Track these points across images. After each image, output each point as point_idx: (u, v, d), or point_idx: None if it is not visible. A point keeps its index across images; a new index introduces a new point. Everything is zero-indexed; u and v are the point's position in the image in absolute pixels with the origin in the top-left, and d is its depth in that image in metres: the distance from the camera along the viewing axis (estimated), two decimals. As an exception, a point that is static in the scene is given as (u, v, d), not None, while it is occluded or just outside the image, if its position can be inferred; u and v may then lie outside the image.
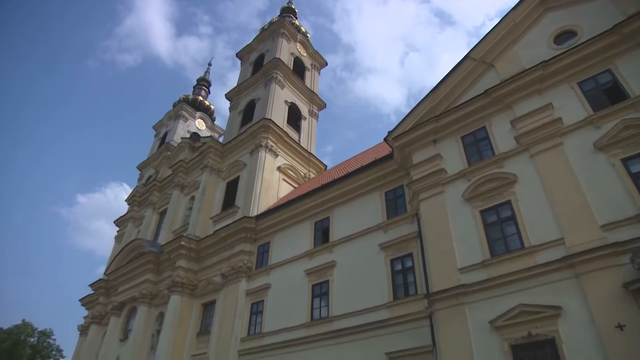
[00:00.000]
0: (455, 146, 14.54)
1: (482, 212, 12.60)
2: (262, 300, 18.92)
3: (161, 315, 23.28)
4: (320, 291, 16.80)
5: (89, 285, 31.06)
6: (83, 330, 31.61)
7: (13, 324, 44.91)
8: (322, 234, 18.42)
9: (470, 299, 11.36)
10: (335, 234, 17.76)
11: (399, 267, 14.88)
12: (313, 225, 19.04)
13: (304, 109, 32.07)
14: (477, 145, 14.05)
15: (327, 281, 16.73)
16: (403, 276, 14.62)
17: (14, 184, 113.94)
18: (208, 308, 21.75)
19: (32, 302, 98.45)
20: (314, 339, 15.76)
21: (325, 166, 29.50)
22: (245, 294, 19.73)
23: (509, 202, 12.20)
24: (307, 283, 17.39)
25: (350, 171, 19.01)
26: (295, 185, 26.34)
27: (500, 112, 14.00)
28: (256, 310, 18.99)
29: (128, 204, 36.28)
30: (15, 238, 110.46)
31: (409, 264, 14.68)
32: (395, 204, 16.48)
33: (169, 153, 34.36)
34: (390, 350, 13.33)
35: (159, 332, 22.60)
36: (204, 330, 21.05)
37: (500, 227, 12.04)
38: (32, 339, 45.59)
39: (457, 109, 14.82)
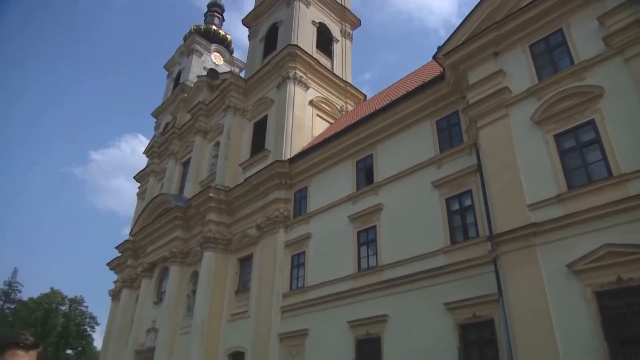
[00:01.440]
0: (522, 58, 13.58)
1: (557, 136, 11.86)
2: (303, 252, 19.44)
3: (195, 275, 24.53)
4: (367, 238, 16.98)
5: (116, 248, 33.21)
6: (114, 295, 34.18)
7: (42, 292, 49.10)
8: (366, 174, 18.35)
9: (543, 239, 11.03)
10: (380, 173, 17.62)
11: (456, 206, 14.65)
12: (354, 164, 18.94)
13: (335, 29, 30.97)
14: (551, 55, 13.04)
15: (374, 227, 16.83)
16: (461, 217, 14.40)
17: (18, 145, 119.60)
18: (245, 263, 22.68)
19: (58, 269, 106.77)
20: (362, 290, 16.16)
21: (365, 96, 28.87)
22: (284, 246, 20.32)
23: (592, 122, 11.40)
24: (351, 230, 17.60)
25: (394, 99, 18.44)
26: (332, 121, 26.07)
27: (583, 8, 12.66)
28: (297, 262, 19.60)
29: (147, 157, 37.44)
30: (31, 204, 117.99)
31: (467, 202, 14.39)
32: (449, 134, 15.97)
33: (186, 95, 34.64)
34: (449, 300, 13.42)
35: (194, 292, 23.95)
36: (243, 287, 22.09)
37: (580, 153, 11.39)
38: (63, 308, 49.74)
39: (524, 9, 13.66)
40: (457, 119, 15.91)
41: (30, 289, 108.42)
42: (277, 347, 18.53)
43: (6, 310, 45.70)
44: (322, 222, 19.19)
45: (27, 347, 1.79)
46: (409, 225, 15.59)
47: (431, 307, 13.83)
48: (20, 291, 47.26)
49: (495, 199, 12.41)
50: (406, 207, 15.97)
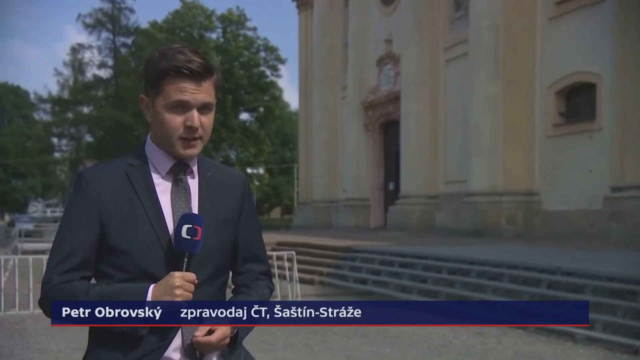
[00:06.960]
0: None
1: None
2: None
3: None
4: None
5: None
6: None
7: (167, 12, 45.04)
8: None
9: None
10: None
11: None
12: None
13: None
14: None
15: None
16: None
17: None
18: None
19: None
20: None
21: None
22: None
23: None
24: None
25: None
26: None
27: None
28: None
29: None
30: None
31: None
32: None
33: None
34: None
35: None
36: None
37: None
38: (213, 36, 43.91)
39: None
40: None
41: (147, 9, 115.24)
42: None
43: (122, 50, 41.66)
44: None
45: (197, 76, 1.51)
46: None
47: None
48: (132, 10, 41.88)
49: None
50: None
